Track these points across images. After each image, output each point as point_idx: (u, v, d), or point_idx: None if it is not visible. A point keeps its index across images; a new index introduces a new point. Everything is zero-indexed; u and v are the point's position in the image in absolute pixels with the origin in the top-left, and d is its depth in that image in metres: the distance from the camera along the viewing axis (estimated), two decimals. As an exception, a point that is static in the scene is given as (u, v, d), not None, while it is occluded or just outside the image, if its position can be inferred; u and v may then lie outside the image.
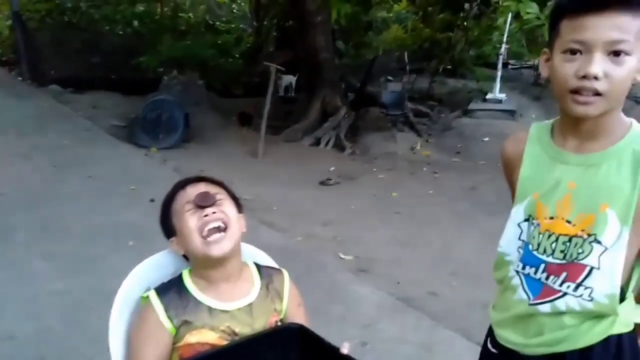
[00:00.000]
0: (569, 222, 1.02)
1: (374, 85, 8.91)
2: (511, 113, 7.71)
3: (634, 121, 1.02)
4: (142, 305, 1.10)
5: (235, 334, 1.07)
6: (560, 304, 1.03)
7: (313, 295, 2.67)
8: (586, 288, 1.01)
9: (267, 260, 1.29)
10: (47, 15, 9.76)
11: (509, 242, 1.12)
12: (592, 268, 1.00)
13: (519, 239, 1.10)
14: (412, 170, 5.93)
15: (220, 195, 1.13)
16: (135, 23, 10.01)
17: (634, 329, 1.04)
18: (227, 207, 1.12)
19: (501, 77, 8.16)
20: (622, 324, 1.02)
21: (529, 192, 1.09)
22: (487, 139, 6.86)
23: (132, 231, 3.44)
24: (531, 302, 1.07)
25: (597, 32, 0.93)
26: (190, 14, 11.33)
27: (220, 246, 1.07)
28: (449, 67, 10.11)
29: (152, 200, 3.86)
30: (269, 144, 6.29)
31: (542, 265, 1.05)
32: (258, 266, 1.20)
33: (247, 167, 5.61)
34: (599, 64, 0.93)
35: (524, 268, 1.09)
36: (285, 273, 1.22)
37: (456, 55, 9.78)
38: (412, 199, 4.80)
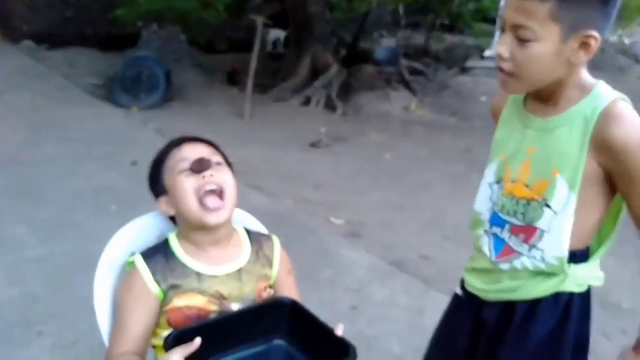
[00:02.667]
0: (527, 186, 1.09)
1: (367, 41, 8.78)
2: (510, 71, 7.67)
3: (598, 84, 1.04)
4: (127, 270, 1.12)
5: (224, 297, 1.10)
6: (517, 264, 1.13)
7: (303, 260, 2.72)
8: (538, 249, 1.09)
9: (257, 226, 1.31)
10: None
11: (482, 201, 1.20)
12: (543, 231, 1.08)
13: (490, 199, 1.18)
14: (406, 131, 5.94)
15: (217, 159, 1.14)
16: (111, -28, 9.64)
17: (588, 291, 1.12)
18: (224, 172, 1.13)
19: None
20: (574, 283, 1.10)
21: (499, 153, 1.16)
22: (484, 98, 6.85)
23: (113, 195, 3.45)
24: (493, 259, 1.17)
25: (506, 12, 0.97)
26: (170, -37, 10.92)
27: (217, 215, 1.08)
28: (446, 21, 9.96)
29: (133, 163, 3.86)
30: (256, 104, 6.24)
31: (507, 226, 1.14)
32: (248, 231, 1.22)
33: (233, 128, 5.57)
34: (503, 44, 0.99)
35: (491, 227, 1.18)
36: (276, 239, 1.24)
37: (454, 9, 9.62)
38: (405, 161, 4.83)
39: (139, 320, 1.06)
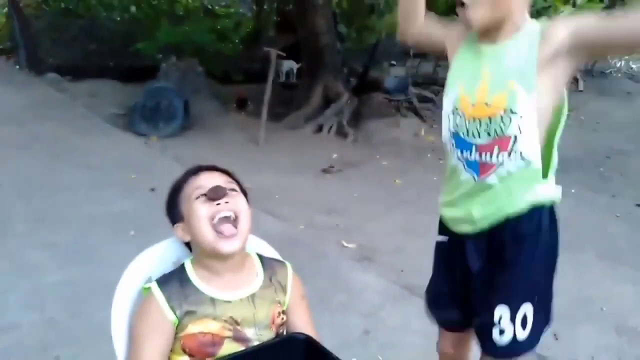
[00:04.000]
0: (487, 104, 1.23)
1: (377, 70, 8.86)
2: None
3: (535, 22, 1.24)
4: (144, 297, 1.11)
5: (238, 323, 1.09)
6: (502, 171, 1.25)
7: (316, 284, 2.69)
8: (516, 152, 1.23)
9: (270, 252, 1.31)
10: (44, 2, 9.73)
11: (445, 132, 1.36)
12: (516, 136, 1.21)
13: (451, 128, 1.33)
14: (416, 156, 5.93)
15: (232, 186, 1.15)
16: (133, 9, 9.96)
17: (552, 207, 1.30)
18: (239, 199, 1.13)
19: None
20: (543, 198, 1.27)
21: (455, 84, 1.32)
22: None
23: (132, 221, 3.46)
24: (477, 180, 1.29)
25: None
26: (188, -2, 11.24)
27: (231, 244, 1.08)
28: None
29: (152, 190, 3.89)
30: (270, 131, 6.29)
31: (473, 147, 1.28)
32: (261, 258, 1.21)
33: (248, 154, 5.61)
34: None
35: (462, 153, 1.31)
36: (289, 266, 1.23)
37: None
38: (415, 186, 4.81)
39: (154, 347, 1.05)
